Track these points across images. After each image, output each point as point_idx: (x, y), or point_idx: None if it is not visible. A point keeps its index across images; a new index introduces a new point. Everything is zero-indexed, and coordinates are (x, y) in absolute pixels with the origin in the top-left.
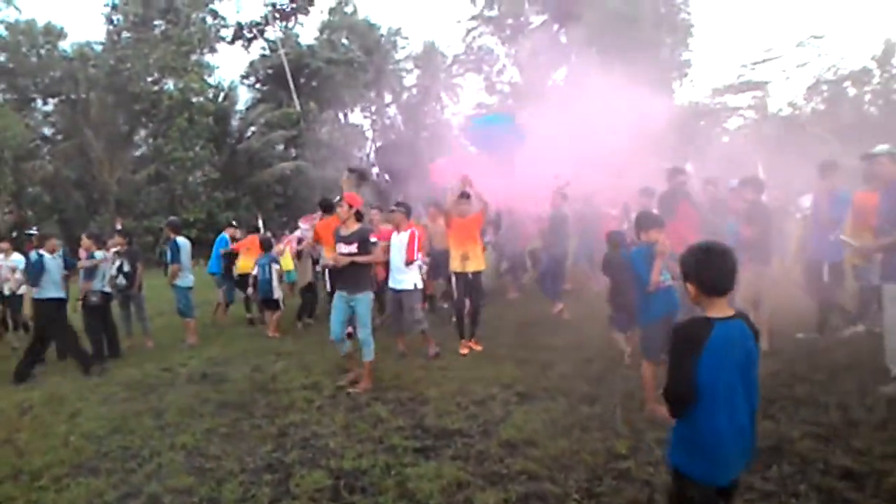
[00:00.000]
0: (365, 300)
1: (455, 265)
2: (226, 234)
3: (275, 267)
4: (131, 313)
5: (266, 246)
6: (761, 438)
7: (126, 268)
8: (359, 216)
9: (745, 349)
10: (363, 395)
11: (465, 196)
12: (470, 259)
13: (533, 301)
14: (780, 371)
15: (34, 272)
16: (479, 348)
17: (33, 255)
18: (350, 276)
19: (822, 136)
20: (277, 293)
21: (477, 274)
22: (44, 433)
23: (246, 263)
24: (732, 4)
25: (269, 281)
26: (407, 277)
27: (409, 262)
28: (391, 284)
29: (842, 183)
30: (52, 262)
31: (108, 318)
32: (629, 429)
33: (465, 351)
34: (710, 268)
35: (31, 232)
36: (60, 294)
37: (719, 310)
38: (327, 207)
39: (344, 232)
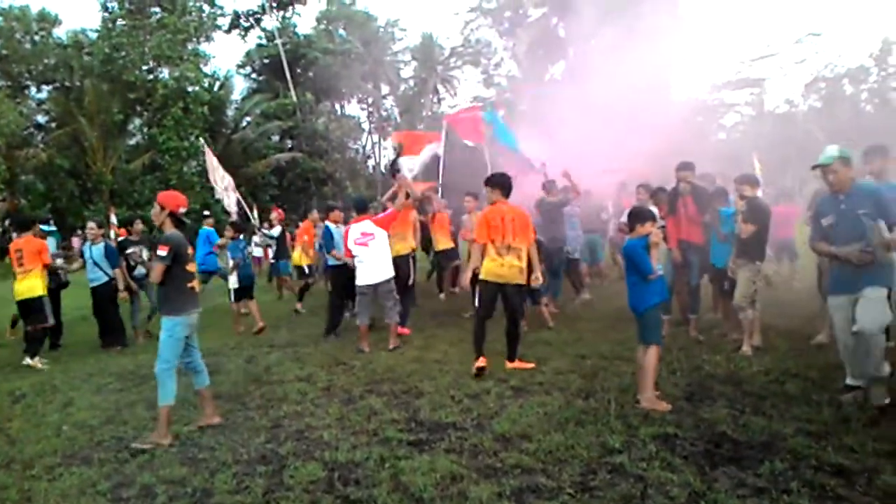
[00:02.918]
0: None
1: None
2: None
3: (248, 251)
4: (137, 304)
5: (238, 230)
6: (753, 434)
7: (145, 256)
8: None
9: None
10: (357, 388)
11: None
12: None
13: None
14: (771, 368)
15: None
16: (530, 365)
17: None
18: None
19: (818, 133)
20: (233, 283)
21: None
22: (36, 422)
23: (300, 256)
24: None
25: (250, 267)
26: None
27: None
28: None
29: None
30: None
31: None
32: (623, 424)
33: (481, 364)
34: None
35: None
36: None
37: None
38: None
39: None
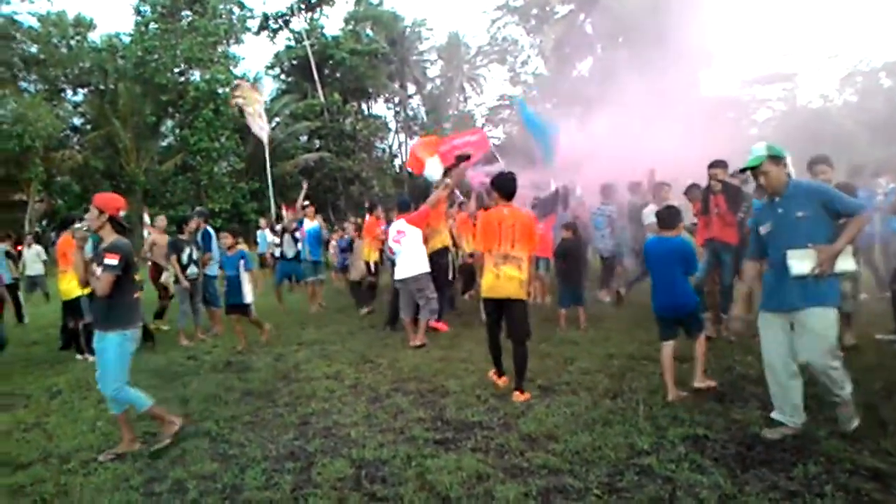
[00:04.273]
0: None
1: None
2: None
3: (244, 267)
4: (199, 303)
5: (236, 236)
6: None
7: (195, 255)
8: None
9: None
10: (384, 386)
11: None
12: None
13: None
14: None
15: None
16: (524, 398)
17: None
18: None
19: (853, 128)
20: (249, 297)
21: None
22: (72, 418)
23: (369, 252)
24: None
25: (239, 281)
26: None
27: None
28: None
29: None
30: None
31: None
32: (652, 424)
33: (504, 383)
34: None
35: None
36: None
37: None
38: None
39: None
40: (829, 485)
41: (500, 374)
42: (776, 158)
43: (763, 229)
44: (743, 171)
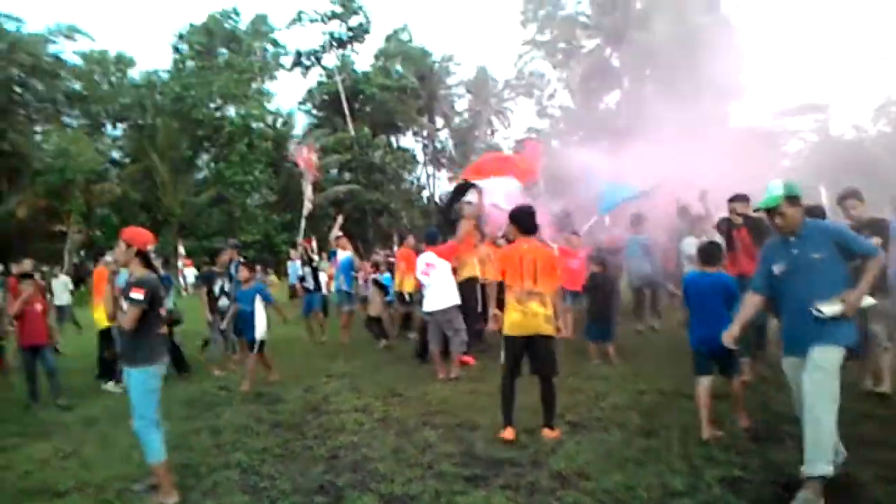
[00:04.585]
0: None
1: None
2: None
3: (259, 300)
4: (231, 335)
5: (251, 269)
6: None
7: (227, 287)
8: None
9: None
10: (413, 419)
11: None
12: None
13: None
14: (845, 408)
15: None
16: (555, 435)
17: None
18: None
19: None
20: (260, 332)
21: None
22: (108, 447)
23: (407, 282)
24: (793, 24)
25: (253, 317)
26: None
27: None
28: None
29: None
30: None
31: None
32: (686, 464)
33: (508, 436)
34: None
35: None
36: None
37: None
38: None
39: None
40: None
41: (507, 424)
42: (793, 198)
43: (777, 269)
44: (757, 210)
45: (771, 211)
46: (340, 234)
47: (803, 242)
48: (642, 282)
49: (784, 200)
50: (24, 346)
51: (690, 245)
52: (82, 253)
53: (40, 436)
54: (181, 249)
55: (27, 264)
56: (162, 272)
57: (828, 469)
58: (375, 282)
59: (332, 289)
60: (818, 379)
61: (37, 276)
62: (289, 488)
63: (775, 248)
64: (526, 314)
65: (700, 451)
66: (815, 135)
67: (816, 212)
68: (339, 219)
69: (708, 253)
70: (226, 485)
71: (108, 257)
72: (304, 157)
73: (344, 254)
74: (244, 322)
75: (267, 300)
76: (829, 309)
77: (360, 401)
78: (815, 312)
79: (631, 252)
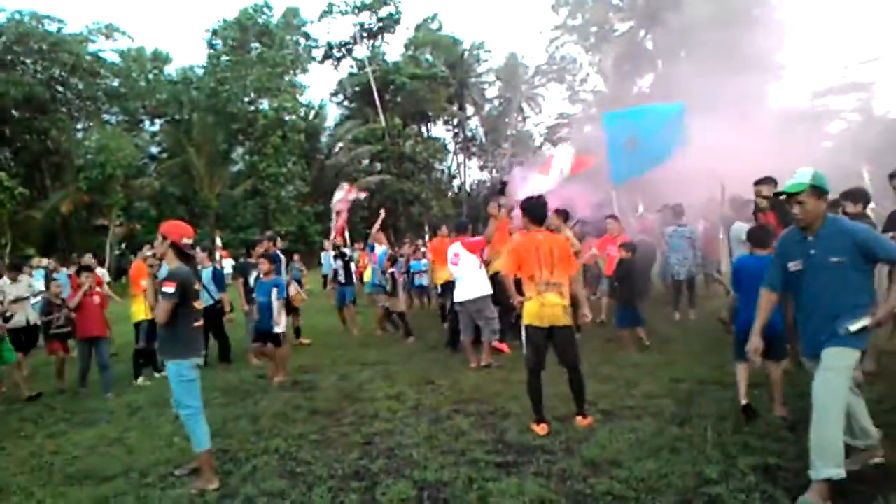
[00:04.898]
0: None
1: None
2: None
3: (276, 294)
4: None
5: (273, 261)
6: (864, 467)
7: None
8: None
9: None
10: (445, 407)
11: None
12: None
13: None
14: (885, 396)
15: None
16: (587, 423)
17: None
18: None
19: None
20: (280, 327)
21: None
22: (151, 434)
23: (440, 273)
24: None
25: (270, 309)
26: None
27: None
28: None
29: None
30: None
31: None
32: (721, 453)
33: (542, 433)
34: None
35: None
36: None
37: None
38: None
39: None
40: None
41: (539, 420)
42: (819, 190)
43: (792, 266)
44: (778, 195)
45: (791, 197)
46: (380, 229)
47: (822, 242)
48: (687, 275)
49: (808, 189)
50: (81, 338)
51: (741, 230)
52: (123, 246)
53: (87, 423)
54: (218, 241)
55: (88, 258)
56: (217, 265)
57: (834, 472)
58: (393, 276)
59: (367, 279)
60: (828, 380)
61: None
62: (325, 474)
63: (792, 243)
64: (544, 305)
65: (735, 438)
66: (858, 114)
67: (859, 194)
68: (382, 213)
69: (758, 236)
70: (264, 470)
71: (147, 251)
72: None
73: (381, 248)
74: (261, 313)
75: (281, 296)
76: (857, 326)
77: (394, 389)
78: (841, 332)
79: (676, 246)
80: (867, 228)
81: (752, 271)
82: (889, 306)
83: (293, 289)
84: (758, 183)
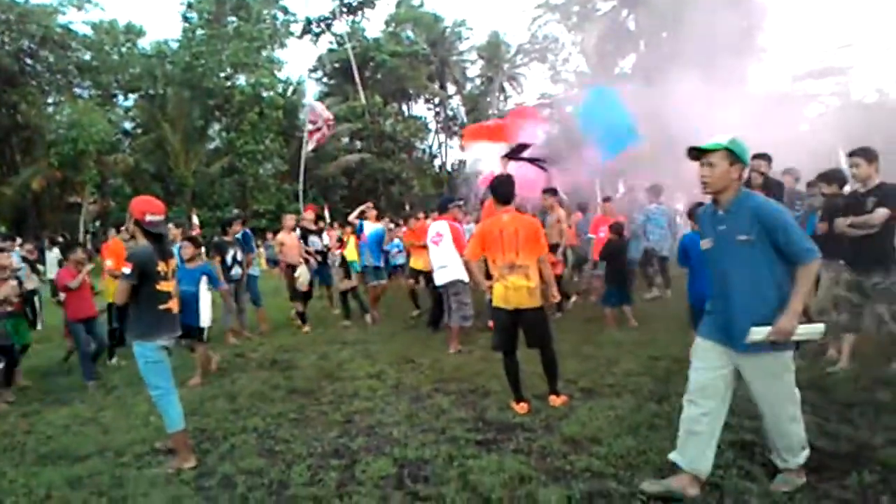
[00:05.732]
0: None
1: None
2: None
3: (204, 283)
4: (244, 302)
5: (197, 245)
6: (839, 444)
7: (240, 257)
8: None
9: None
10: (426, 386)
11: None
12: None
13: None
14: (860, 375)
15: None
16: (561, 401)
17: None
18: None
19: None
20: (205, 320)
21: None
22: (126, 413)
23: (417, 261)
24: None
25: (196, 300)
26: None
27: None
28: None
29: None
30: None
31: None
32: None
33: (522, 411)
34: None
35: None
36: None
37: None
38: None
39: None
40: (885, 495)
41: (519, 399)
42: (733, 156)
43: (704, 244)
44: (692, 149)
45: (701, 154)
46: (370, 205)
47: (731, 218)
48: (665, 251)
49: (722, 150)
50: (76, 320)
51: None
52: (97, 223)
53: (60, 402)
54: (195, 219)
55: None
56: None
57: (803, 456)
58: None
59: (350, 258)
60: (771, 385)
61: (23, 251)
62: (304, 452)
63: (706, 218)
64: (508, 288)
65: None
66: (837, 98)
67: (834, 176)
68: (369, 204)
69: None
70: (242, 448)
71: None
72: (318, 113)
73: (372, 226)
74: (186, 306)
75: (214, 284)
76: (755, 338)
77: (374, 368)
78: (746, 340)
79: (656, 223)
80: (781, 210)
81: (697, 247)
82: (791, 314)
83: (301, 274)
84: (754, 157)
